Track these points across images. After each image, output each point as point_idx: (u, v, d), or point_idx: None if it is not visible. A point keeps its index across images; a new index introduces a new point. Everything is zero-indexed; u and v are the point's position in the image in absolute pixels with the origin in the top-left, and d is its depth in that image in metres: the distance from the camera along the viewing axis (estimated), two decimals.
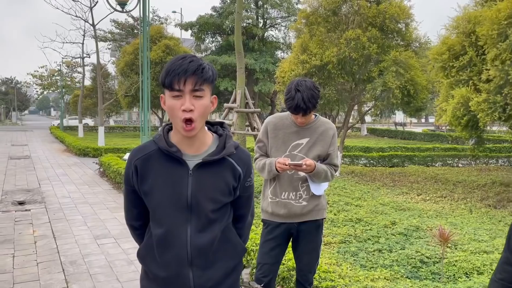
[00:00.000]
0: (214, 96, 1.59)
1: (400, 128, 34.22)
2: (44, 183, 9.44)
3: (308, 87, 2.59)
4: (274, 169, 2.64)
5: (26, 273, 4.32)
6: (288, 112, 2.82)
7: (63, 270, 4.40)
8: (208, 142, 1.61)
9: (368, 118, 36.06)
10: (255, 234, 4.22)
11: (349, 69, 9.31)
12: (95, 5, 18.18)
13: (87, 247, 5.12)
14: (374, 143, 20.47)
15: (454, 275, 3.99)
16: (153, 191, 1.56)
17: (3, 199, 7.78)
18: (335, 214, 6.25)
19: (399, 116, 43.37)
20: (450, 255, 4.45)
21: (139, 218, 1.69)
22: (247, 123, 7.15)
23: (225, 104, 7.42)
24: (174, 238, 1.55)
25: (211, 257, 1.59)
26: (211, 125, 1.68)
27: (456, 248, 4.81)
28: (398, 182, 9.73)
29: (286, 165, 2.57)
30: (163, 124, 1.69)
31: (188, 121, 1.48)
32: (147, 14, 8.40)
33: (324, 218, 2.87)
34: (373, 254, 4.55)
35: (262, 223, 2.93)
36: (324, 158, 2.77)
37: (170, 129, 1.62)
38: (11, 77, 67.24)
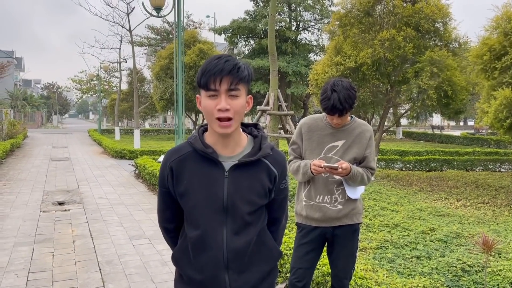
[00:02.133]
0: (250, 96, 1.56)
1: (437, 131, 33.17)
2: (82, 184, 9.73)
3: (345, 87, 2.52)
4: (309, 172, 2.58)
5: (65, 271, 4.44)
6: (323, 114, 2.76)
7: (99, 269, 4.50)
8: (243, 143, 1.59)
9: (403, 121, 35.20)
10: (289, 238, 4.16)
11: (384, 70, 9.10)
12: (132, 11, 18.69)
13: (123, 248, 5.21)
14: (410, 146, 19.93)
15: (498, 285, 3.79)
16: (188, 193, 1.55)
17: (44, 199, 8.07)
18: (370, 219, 6.10)
19: (436, 119, 42.08)
20: (494, 264, 4.24)
21: (172, 221, 1.69)
22: (280, 126, 7.11)
23: (258, 107, 7.40)
24: (210, 240, 1.54)
25: (247, 260, 1.57)
26: (245, 126, 1.66)
27: (500, 257, 4.58)
28: (436, 187, 9.40)
29: (321, 167, 2.51)
30: (198, 125, 1.69)
31: (224, 119, 1.46)
32: (181, 19, 8.53)
33: (361, 223, 2.79)
34: (411, 261, 4.40)
35: (296, 227, 2.87)
36: (360, 161, 2.69)
37: (205, 130, 1.60)
38: (52, 82, 70.17)
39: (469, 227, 5.90)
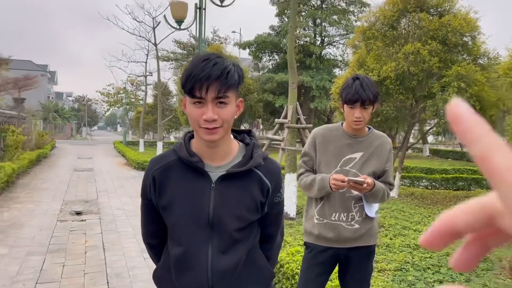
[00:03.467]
0: (240, 99, 1.41)
1: (466, 149, 32.11)
2: (101, 195, 9.78)
3: (368, 78, 2.39)
4: (328, 187, 2.33)
5: (72, 283, 4.37)
6: (338, 124, 2.57)
7: (107, 282, 4.41)
8: (233, 152, 1.45)
9: (431, 139, 34.30)
10: (301, 256, 3.97)
11: (408, 84, 8.84)
12: (157, 25, 19.04)
13: (133, 260, 5.13)
14: (437, 164, 19.30)
15: None
16: (171, 206, 1.41)
17: (62, 208, 8.12)
18: (391, 239, 5.82)
19: None
20: None
21: (157, 236, 1.55)
22: (298, 139, 6.94)
23: (276, 120, 7.27)
24: (193, 259, 1.39)
25: (235, 282, 1.41)
26: (237, 133, 1.52)
27: None
28: None
29: (343, 182, 2.26)
30: (185, 131, 1.55)
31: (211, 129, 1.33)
32: (203, 31, 8.56)
33: (376, 244, 2.58)
34: (433, 285, 4.12)
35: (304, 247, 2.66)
36: (378, 176, 2.46)
37: (192, 137, 1.47)
38: (83, 94, 72.28)
39: (497, 250, 5.53)
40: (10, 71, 21.75)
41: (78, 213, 7.75)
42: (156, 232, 1.53)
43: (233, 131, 1.49)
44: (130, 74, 29.25)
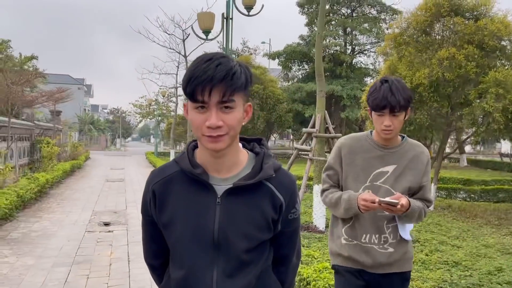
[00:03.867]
0: (249, 104, 1.25)
1: (506, 159, 30.69)
2: (130, 206, 9.83)
3: (398, 80, 2.10)
4: (356, 207, 2.07)
5: None
6: (367, 132, 2.30)
7: None
8: (241, 162, 1.29)
9: (468, 148, 32.97)
10: (328, 273, 3.74)
11: (442, 91, 8.46)
12: (187, 37, 19.32)
13: None
14: (476, 175, 18.43)
15: None
16: (172, 223, 1.26)
17: (91, 219, 8.18)
18: (427, 255, 5.48)
19: (506, 146, 39.13)
20: None
21: (159, 256, 1.41)
22: (327, 149, 6.72)
23: (304, 129, 7.09)
24: (196, 284, 1.24)
25: None
26: (247, 141, 1.36)
27: None
28: (505, 220, 8.44)
29: (374, 203, 1.99)
30: (189, 140, 1.41)
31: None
32: (230, 40, 8.53)
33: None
34: None
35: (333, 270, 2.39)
36: (414, 192, 2.18)
37: (197, 146, 1.33)
38: (117, 107, 74.37)
39: None
40: (50, 85, 22.58)
41: (106, 224, 7.78)
42: (159, 252, 1.40)
43: (242, 139, 1.34)
44: (161, 86, 29.90)
